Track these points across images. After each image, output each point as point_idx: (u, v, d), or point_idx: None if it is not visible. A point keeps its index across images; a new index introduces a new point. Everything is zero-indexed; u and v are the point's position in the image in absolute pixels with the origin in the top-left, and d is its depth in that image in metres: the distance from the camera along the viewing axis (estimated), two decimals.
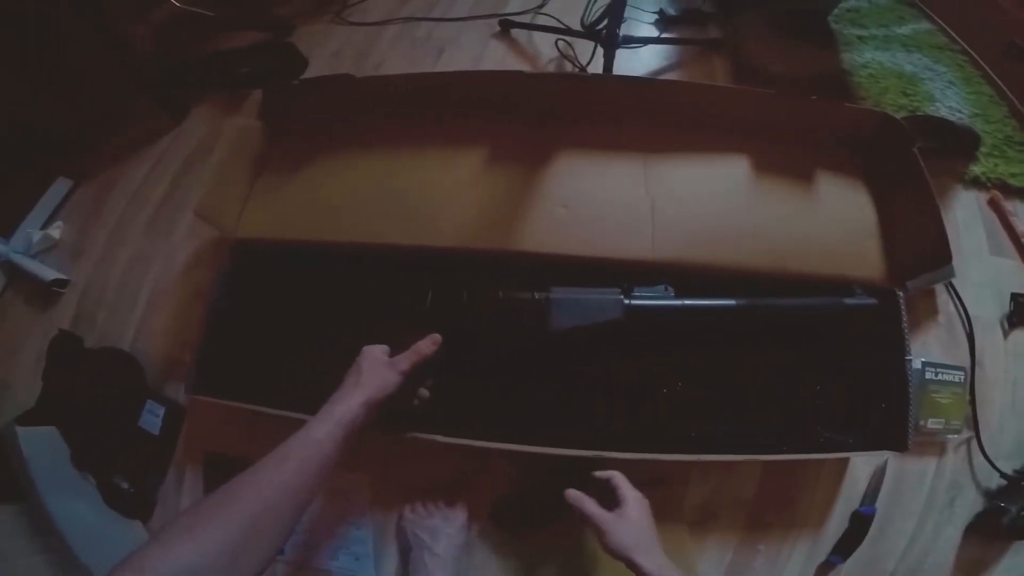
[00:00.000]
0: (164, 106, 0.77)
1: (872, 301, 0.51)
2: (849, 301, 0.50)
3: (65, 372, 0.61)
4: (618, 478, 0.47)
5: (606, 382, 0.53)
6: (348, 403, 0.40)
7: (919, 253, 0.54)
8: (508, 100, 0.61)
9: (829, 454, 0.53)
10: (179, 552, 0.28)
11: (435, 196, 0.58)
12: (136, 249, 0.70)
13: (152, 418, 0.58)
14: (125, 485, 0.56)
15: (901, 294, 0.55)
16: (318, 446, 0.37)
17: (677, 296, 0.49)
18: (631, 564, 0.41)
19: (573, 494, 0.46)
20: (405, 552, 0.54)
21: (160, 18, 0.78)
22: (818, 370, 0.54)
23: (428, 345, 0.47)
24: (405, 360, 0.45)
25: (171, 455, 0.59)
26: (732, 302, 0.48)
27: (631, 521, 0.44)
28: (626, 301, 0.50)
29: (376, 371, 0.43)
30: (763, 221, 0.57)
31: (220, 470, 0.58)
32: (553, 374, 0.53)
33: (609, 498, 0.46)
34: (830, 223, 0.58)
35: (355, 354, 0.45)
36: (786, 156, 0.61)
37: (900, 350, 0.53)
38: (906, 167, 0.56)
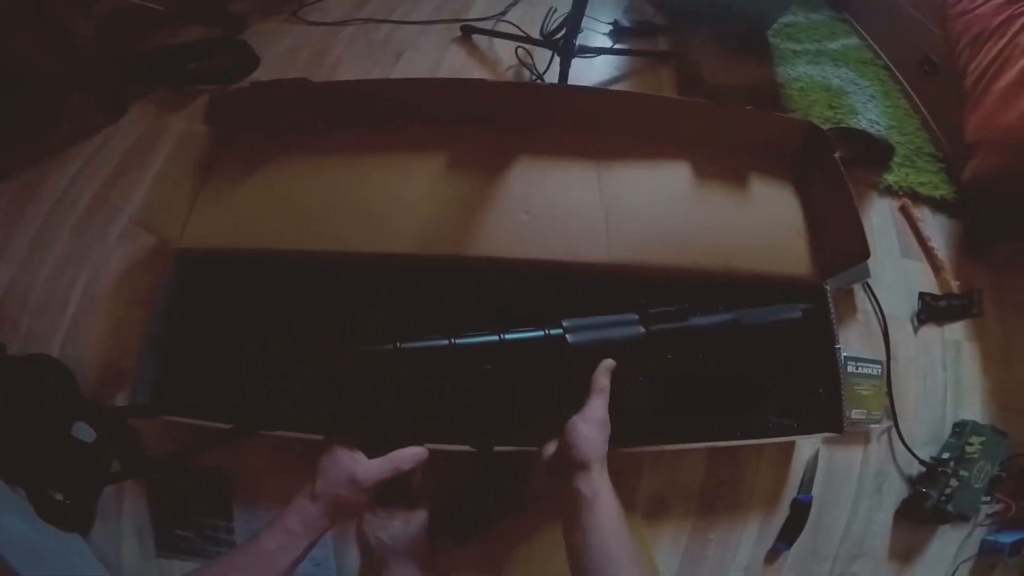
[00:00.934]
0: (101, 102, 0.75)
1: (812, 306, 0.59)
2: (803, 307, 0.57)
3: None
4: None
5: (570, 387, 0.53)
6: (303, 515, 0.37)
7: (842, 250, 0.61)
8: (467, 108, 0.64)
9: (776, 438, 0.59)
10: None
11: (395, 203, 0.60)
12: (65, 251, 0.68)
13: (85, 427, 0.56)
14: (59, 497, 0.55)
15: (828, 288, 0.63)
16: (269, 559, 0.36)
17: (685, 316, 0.47)
18: (587, 470, 0.38)
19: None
20: (367, 555, 0.56)
21: (104, 11, 0.77)
22: (761, 362, 0.60)
23: (409, 461, 0.41)
24: (374, 475, 0.39)
25: (108, 465, 0.58)
26: (729, 316, 0.50)
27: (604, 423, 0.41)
28: (643, 330, 0.46)
29: (335, 486, 0.38)
30: (705, 224, 0.63)
31: (162, 478, 0.58)
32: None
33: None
34: (764, 225, 0.65)
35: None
36: (725, 163, 0.67)
37: (831, 340, 0.61)
38: (828, 172, 0.63)
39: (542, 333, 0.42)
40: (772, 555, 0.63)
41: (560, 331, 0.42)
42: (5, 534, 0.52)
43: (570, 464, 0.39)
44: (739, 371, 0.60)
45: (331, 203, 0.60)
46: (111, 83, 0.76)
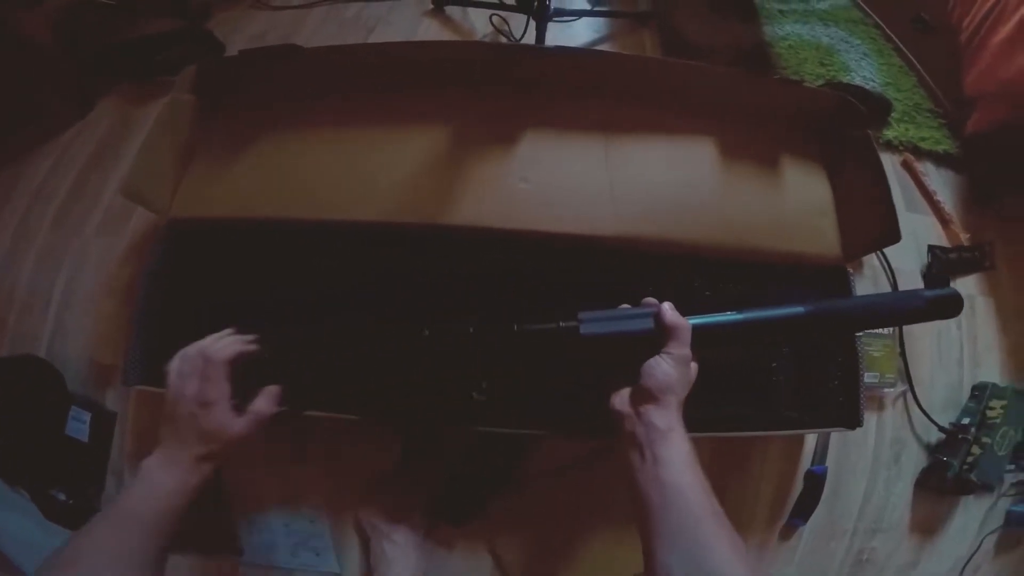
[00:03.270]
0: (69, 99, 0.79)
1: (955, 292, 0.47)
2: (929, 293, 0.47)
3: None
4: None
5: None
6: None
7: (869, 232, 0.61)
8: (464, 71, 0.64)
9: (786, 431, 0.59)
10: None
11: (387, 170, 0.62)
12: (44, 248, 0.72)
13: (79, 425, 0.62)
14: (62, 497, 0.60)
15: (851, 272, 0.63)
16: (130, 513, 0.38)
17: (738, 310, 0.46)
18: (661, 404, 0.39)
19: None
20: (366, 543, 0.60)
21: (55, 7, 0.80)
22: (772, 348, 0.60)
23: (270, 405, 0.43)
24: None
25: (105, 462, 0.63)
26: (800, 309, 0.46)
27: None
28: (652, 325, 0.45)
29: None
30: (721, 197, 0.63)
31: None
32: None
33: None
34: (786, 201, 0.64)
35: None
36: (744, 134, 0.67)
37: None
38: (859, 148, 0.63)
39: (555, 325, 0.44)
40: (787, 531, 0.65)
41: (574, 323, 0.43)
42: (13, 536, 0.57)
43: (644, 397, 0.40)
44: (744, 357, 0.59)
45: (321, 171, 0.62)
46: (74, 80, 0.80)
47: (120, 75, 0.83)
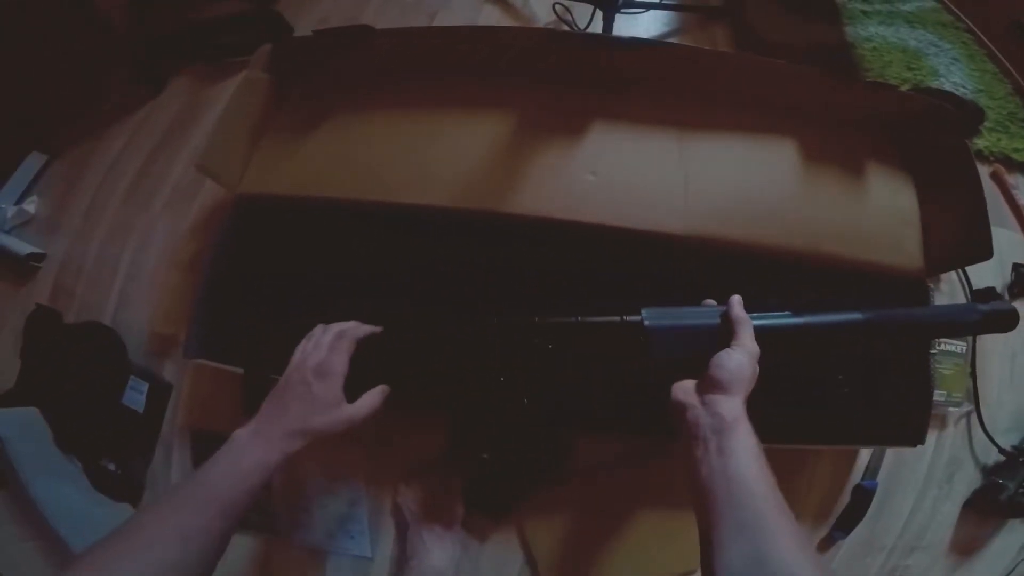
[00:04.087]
0: (141, 78, 0.82)
1: (1011, 307, 0.48)
2: (985, 307, 0.48)
3: (43, 349, 0.66)
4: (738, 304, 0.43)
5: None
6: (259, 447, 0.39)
7: (956, 246, 0.58)
8: (533, 60, 0.63)
9: (846, 445, 0.58)
10: None
11: (454, 157, 0.61)
12: (114, 222, 0.75)
13: (136, 395, 0.63)
14: (112, 467, 0.61)
15: (932, 288, 0.60)
16: (213, 487, 0.38)
17: (795, 313, 0.46)
18: (730, 395, 0.39)
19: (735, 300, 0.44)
20: (402, 529, 0.59)
21: None
22: (839, 359, 0.58)
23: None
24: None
25: (157, 433, 0.64)
26: (858, 316, 0.46)
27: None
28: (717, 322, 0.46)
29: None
30: (799, 200, 0.60)
31: (209, 449, 0.64)
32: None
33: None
34: (868, 208, 0.61)
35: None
36: (825, 136, 0.63)
37: (926, 344, 0.58)
38: (951, 157, 0.59)
39: (618, 319, 0.44)
40: (825, 543, 0.63)
41: (638, 318, 0.44)
42: (58, 505, 0.58)
43: (712, 387, 0.40)
44: (809, 367, 0.57)
45: (386, 154, 0.62)
46: (147, 60, 0.83)
47: (190, 56, 0.85)
